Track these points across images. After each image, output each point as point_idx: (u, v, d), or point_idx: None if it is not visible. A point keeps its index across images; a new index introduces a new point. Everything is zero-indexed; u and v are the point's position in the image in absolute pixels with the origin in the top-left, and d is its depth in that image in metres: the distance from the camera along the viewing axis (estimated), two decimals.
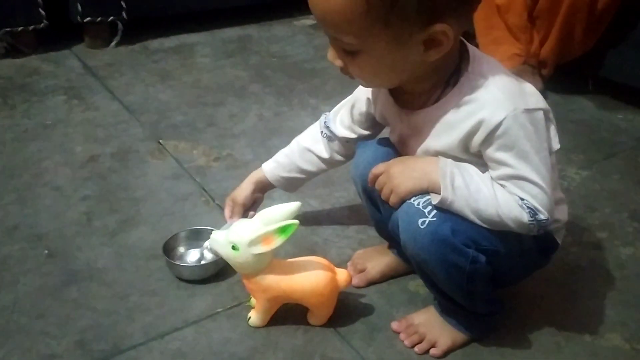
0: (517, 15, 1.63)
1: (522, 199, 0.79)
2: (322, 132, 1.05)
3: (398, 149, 0.94)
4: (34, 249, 1.11)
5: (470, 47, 0.83)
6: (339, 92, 1.67)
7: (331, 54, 0.82)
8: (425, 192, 0.83)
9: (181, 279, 1.04)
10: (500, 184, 0.80)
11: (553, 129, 0.85)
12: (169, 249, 1.07)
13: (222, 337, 0.94)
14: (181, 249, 1.09)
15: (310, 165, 1.08)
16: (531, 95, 0.83)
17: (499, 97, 0.78)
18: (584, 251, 1.14)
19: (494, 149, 0.79)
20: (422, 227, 0.81)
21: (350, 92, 1.57)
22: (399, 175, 0.85)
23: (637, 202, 1.28)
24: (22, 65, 1.83)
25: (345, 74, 0.84)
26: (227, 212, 1.11)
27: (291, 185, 1.12)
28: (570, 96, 1.72)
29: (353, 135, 1.02)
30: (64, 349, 0.91)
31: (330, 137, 1.04)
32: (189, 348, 0.92)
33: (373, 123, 1.00)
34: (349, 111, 1.02)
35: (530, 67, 1.69)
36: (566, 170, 1.38)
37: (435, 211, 0.81)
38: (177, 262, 1.05)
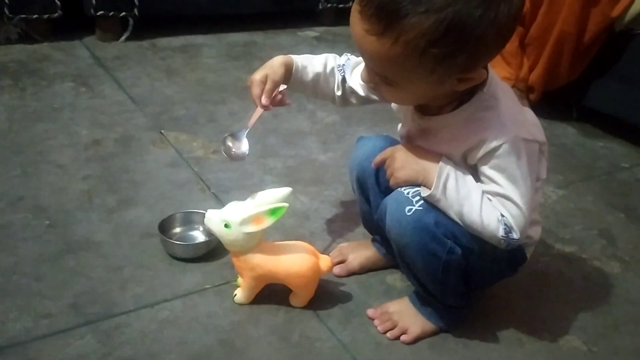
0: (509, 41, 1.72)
1: (502, 216, 0.87)
2: (339, 69, 1.04)
3: (403, 143, 0.99)
4: (36, 219, 1.17)
5: (490, 70, 0.88)
6: None
7: (365, 76, 0.88)
8: (419, 185, 0.90)
9: (174, 257, 1.10)
10: (488, 198, 0.88)
11: (543, 161, 0.93)
12: (164, 228, 1.13)
13: (208, 310, 1.00)
14: (176, 229, 1.16)
15: (327, 89, 1.05)
16: (532, 125, 0.91)
17: (504, 122, 0.85)
18: (553, 262, 1.21)
19: (489, 167, 0.87)
20: (408, 213, 0.88)
21: None
22: (402, 161, 0.92)
23: (607, 222, 1.36)
24: (34, 51, 1.90)
25: (374, 90, 0.91)
26: (256, 90, 0.98)
27: (297, 89, 1.06)
28: (555, 122, 1.81)
29: (362, 93, 1.03)
30: (58, 309, 0.97)
31: (344, 78, 1.04)
32: (176, 318, 0.98)
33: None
34: None
35: (518, 90, 1.78)
36: (544, 188, 1.45)
37: (422, 201, 0.89)
38: (171, 240, 1.11)
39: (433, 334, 0.99)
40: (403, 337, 0.98)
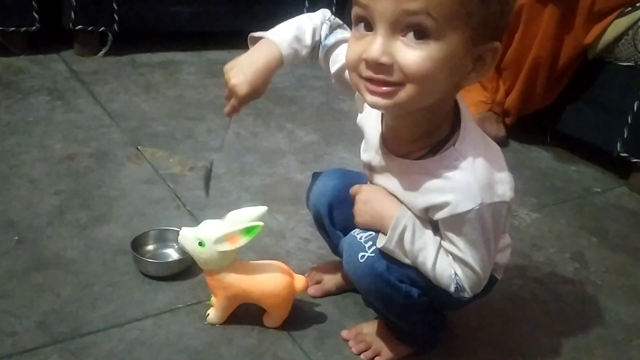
0: None
1: (456, 274, 0.85)
2: (329, 24, 0.96)
3: (365, 169, 0.96)
4: (5, 234, 1.14)
5: (464, 119, 0.83)
6: (315, 120, 1.78)
7: (379, 49, 0.72)
8: (376, 231, 0.88)
9: (146, 275, 1.08)
10: (446, 254, 0.86)
11: (509, 218, 0.90)
12: (137, 246, 1.11)
13: (180, 330, 0.98)
14: (149, 247, 1.14)
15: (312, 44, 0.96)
16: (501, 183, 0.83)
17: (471, 187, 0.79)
18: (526, 284, 1.22)
19: (450, 229, 0.83)
20: (361, 260, 0.87)
21: (326, 124, 1.60)
22: (362, 205, 0.90)
23: (580, 245, 1.38)
24: (10, 64, 1.88)
25: (379, 75, 0.74)
26: (237, 104, 0.99)
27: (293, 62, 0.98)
28: (530, 145, 1.84)
29: (334, 69, 0.96)
30: (25, 328, 0.94)
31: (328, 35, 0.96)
32: (146, 338, 0.96)
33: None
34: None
35: (494, 114, 1.81)
36: (518, 211, 1.47)
37: (374, 247, 0.87)
38: (144, 258, 1.09)
39: (407, 356, 0.99)
40: (377, 359, 0.97)
